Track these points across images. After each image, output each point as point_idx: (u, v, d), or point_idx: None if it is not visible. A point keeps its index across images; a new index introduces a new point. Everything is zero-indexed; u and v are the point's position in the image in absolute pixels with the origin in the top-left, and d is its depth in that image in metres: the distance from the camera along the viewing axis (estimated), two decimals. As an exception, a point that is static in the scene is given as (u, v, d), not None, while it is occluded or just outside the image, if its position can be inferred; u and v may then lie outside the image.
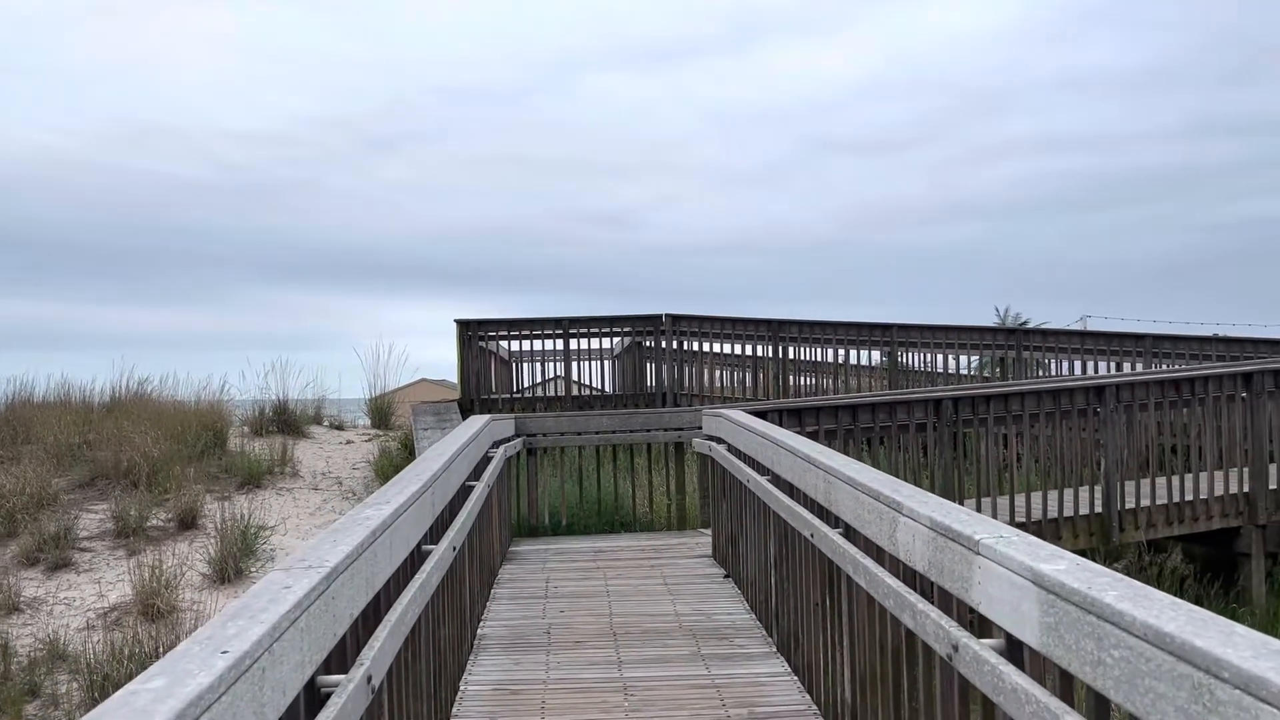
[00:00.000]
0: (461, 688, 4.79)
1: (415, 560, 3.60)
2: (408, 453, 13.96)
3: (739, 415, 6.64)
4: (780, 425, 6.69)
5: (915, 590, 2.99)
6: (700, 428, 8.85)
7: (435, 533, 4.07)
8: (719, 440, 7.01)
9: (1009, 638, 2.36)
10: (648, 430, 9.24)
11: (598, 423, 9.20)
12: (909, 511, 3.01)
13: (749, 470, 5.66)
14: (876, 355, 14.02)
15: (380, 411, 17.94)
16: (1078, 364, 13.44)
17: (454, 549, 4.00)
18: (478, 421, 6.92)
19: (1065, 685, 2.16)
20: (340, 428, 17.54)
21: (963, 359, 13.89)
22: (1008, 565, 2.31)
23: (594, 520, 9.47)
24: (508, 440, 8.44)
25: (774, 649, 5.34)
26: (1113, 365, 13.09)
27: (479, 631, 5.75)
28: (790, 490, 4.89)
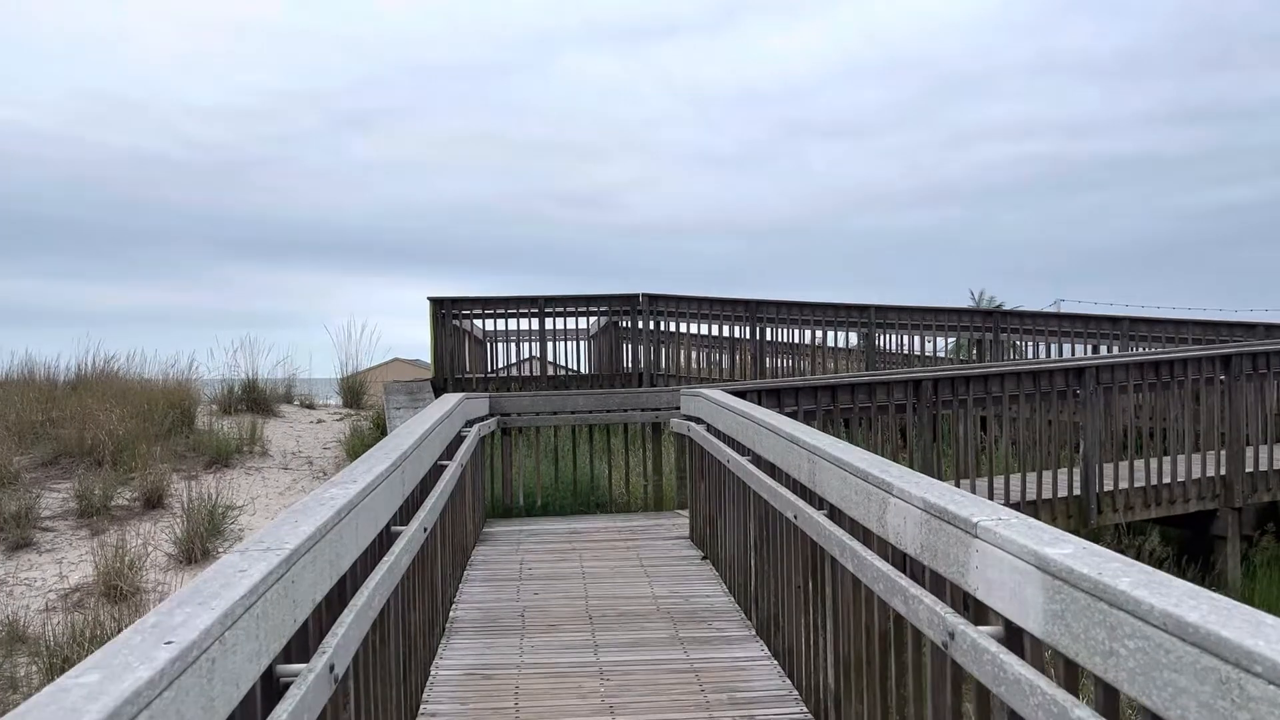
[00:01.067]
0: (432, 673, 4.65)
1: (384, 542, 3.45)
2: (380, 432, 13.76)
3: (718, 395, 6.52)
4: (760, 405, 6.58)
5: (905, 574, 2.88)
6: (678, 408, 8.73)
7: (405, 513, 3.92)
8: (698, 420, 6.88)
9: (1008, 625, 2.24)
10: (625, 410, 9.10)
11: (574, 402, 9.05)
12: (900, 493, 2.90)
13: (729, 450, 5.54)
14: (854, 337, 13.94)
15: (352, 390, 17.73)
16: (1054, 347, 13.42)
17: (425, 530, 3.85)
18: (450, 399, 6.76)
19: (1070, 676, 2.05)
20: (311, 406, 17.32)
21: (939, 341, 13.84)
22: (1008, 549, 2.19)
23: (569, 501, 9.34)
24: (482, 419, 8.28)
25: (753, 632, 5.23)
26: (1089, 348, 13.08)
27: (451, 615, 5.61)
28: (772, 471, 4.77)
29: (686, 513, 8.57)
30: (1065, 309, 19.43)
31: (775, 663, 4.73)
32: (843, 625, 3.69)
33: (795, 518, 3.90)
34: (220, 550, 10.51)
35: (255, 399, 16.20)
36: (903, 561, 2.94)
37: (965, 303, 28.47)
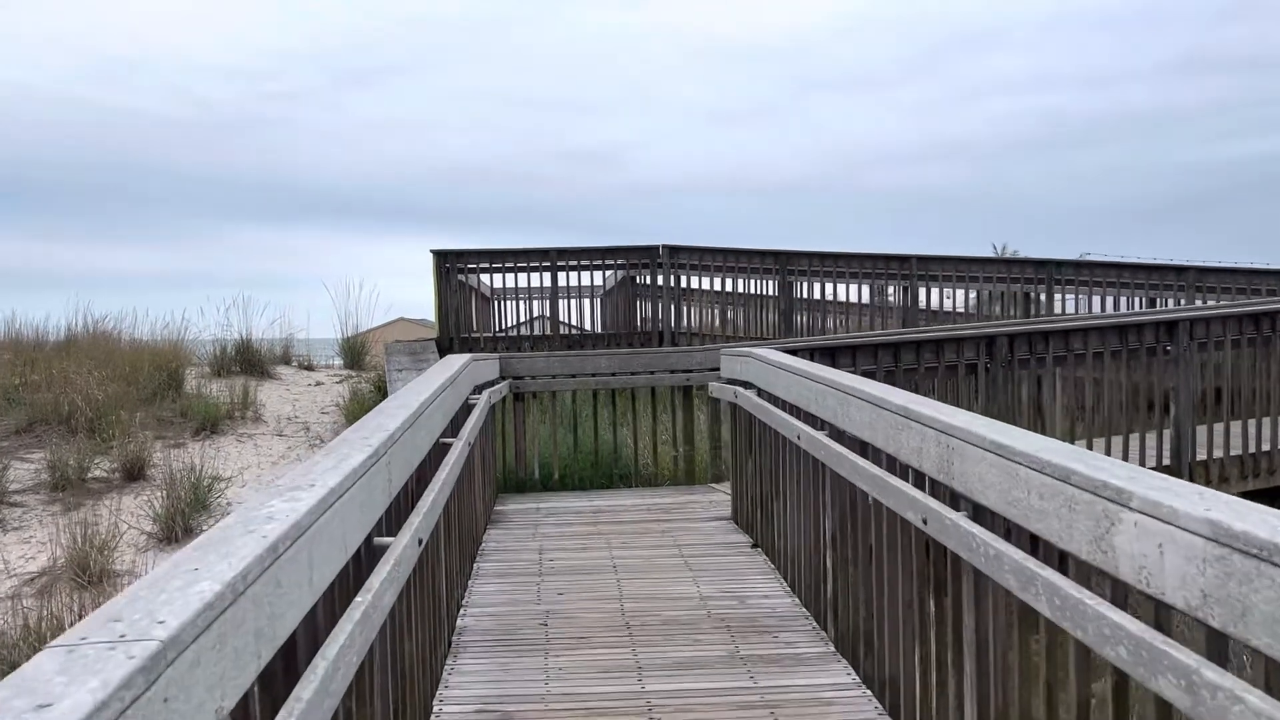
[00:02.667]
0: (436, 709, 3.66)
1: (361, 565, 2.44)
2: (380, 395, 12.76)
3: (775, 355, 5.48)
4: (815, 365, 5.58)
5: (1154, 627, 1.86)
6: (715, 369, 7.71)
7: (395, 517, 2.90)
8: (745, 385, 5.85)
9: None
10: (651, 373, 8.07)
11: (594, 363, 8.01)
12: (1149, 506, 1.86)
13: (798, 424, 4.51)
14: (892, 291, 12.84)
15: (353, 351, 16.73)
16: (1109, 300, 12.33)
17: (420, 542, 2.83)
18: (456, 361, 5.73)
19: None
20: (310, 368, 16.33)
21: (982, 294, 12.72)
22: None
23: (590, 473, 8.34)
24: (492, 384, 7.27)
25: (831, 648, 4.23)
26: (1146, 302, 11.99)
27: (459, 624, 4.62)
28: (862, 450, 3.74)
29: (724, 488, 7.57)
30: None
31: (869, 695, 3.73)
32: (994, 669, 2.68)
33: (925, 522, 2.86)
34: (205, 526, 9.54)
35: (249, 360, 15.24)
36: (1152, 611, 1.92)
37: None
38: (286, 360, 16.42)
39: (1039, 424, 7.29)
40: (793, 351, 6.38)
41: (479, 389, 6.51)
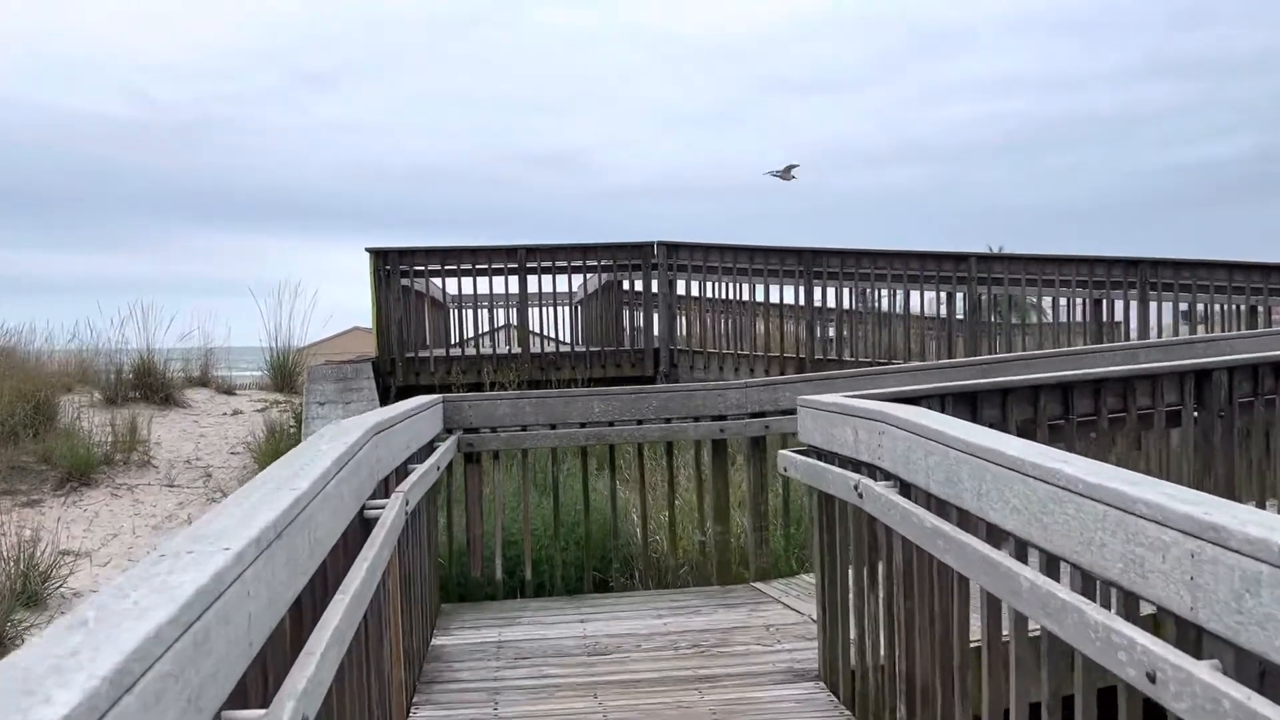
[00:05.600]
0: None
1: None
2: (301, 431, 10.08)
3: (936, 422, 2.91)
4: (946, 415, 3.08)
5: None
6: (759, 415, 5.22)
7: None
8: (874, 470, 3.26)
9: None
10: (666, 420, 5.48)
11: (584, 408, 5.41)
12: None
13: (1094, 612, 1.94)
14: (944, 297, 10.33)
15: (283, 371, 13.94)
16: (1199, 306, 9.94)
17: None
18: (351, 434, 3.10)
19: None
20: (230, 392, 13.55)
21: (1061, 301, 10.22)
22: None
23: (577, 563, 5.75)
24: (431, 446, 4.67)
25: None
26: (1244, 308, 9.62)
27: None
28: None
29: (776, 592, 5.05)
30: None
31: None
32: None
33: None
34: (34, 629, 6.82)
35: (150, 384, 12.45)
36: None
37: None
38: (204, 381, 13.67)
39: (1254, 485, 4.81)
40: (913, 399, 3.86)
41: (408, 463, 3.91)
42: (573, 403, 5.45)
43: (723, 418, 5.55)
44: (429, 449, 4.62)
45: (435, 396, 5.20)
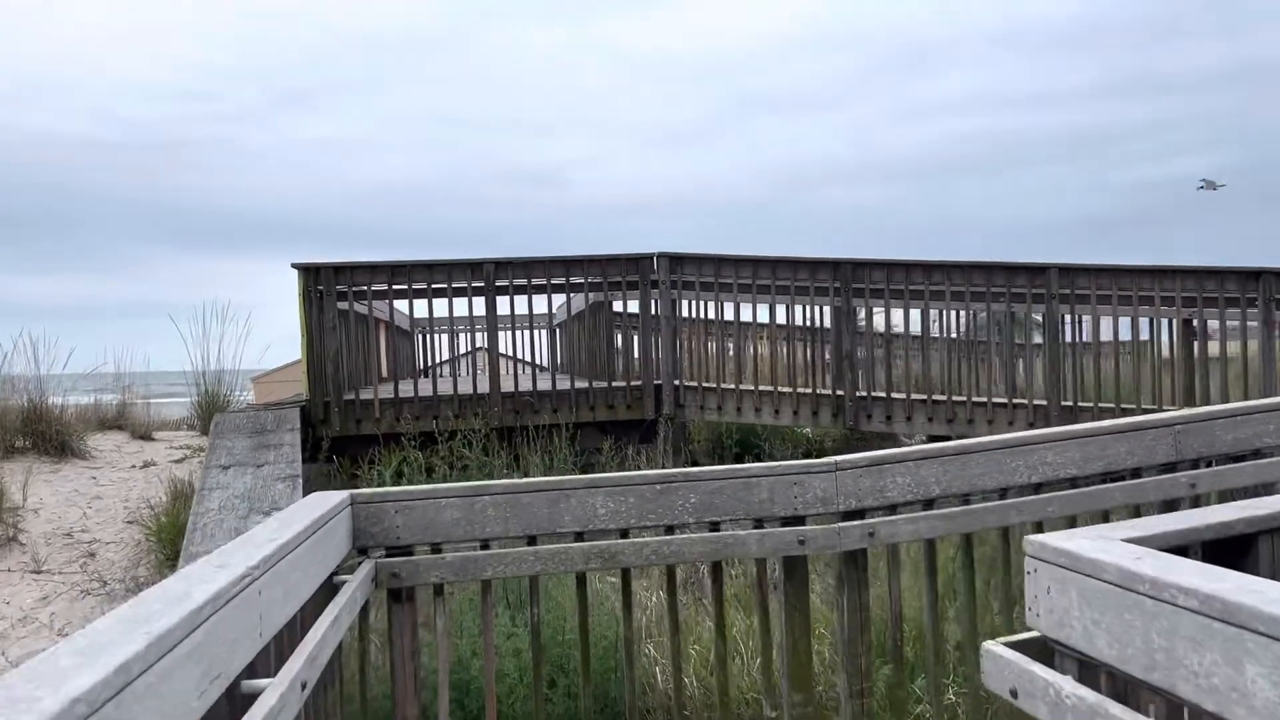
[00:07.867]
0: None
1: None
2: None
3: None
4: None
5: None
6: (855, 515, 3.27)
7: None
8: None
9: None
10: (713, 526, 3.45)
11: (581, 508, 3.37)
12: None
13: None
14: (1019, 318, 8.36)
15: (211, 409, 11.74)
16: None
17: None
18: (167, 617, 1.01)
19: None
20: (147, 437, 11.37)
21: (1141, 322, 8.27)
22: None
23: (566, 717, 3.69)
24: (330, 584, 2.59)
25: None
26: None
27: None
28: None
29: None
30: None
31: None
32: None
33: None
34: None
35: (43, 431, 10.30)
36: None
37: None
38: (119, 425, 11.50)
39: None
40: (1179, 547, 1.83)
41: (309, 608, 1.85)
42: (559, 499, 3.39)
43: (800, 520, 3.50)
44: (335, 577, 2.56)
45: (338, 497, 3.12)
